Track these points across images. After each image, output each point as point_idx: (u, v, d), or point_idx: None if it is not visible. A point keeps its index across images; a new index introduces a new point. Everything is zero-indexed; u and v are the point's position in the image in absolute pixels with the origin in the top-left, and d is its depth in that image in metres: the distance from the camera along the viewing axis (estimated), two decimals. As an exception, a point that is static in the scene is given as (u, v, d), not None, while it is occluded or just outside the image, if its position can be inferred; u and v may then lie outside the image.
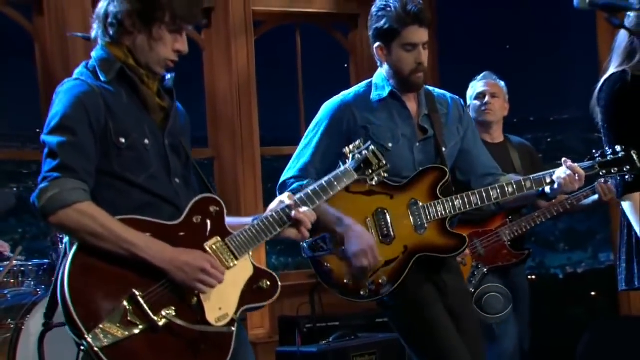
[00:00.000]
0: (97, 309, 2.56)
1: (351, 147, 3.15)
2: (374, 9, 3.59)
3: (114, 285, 2.61)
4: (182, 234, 2.75)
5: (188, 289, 2.68)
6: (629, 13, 3.57)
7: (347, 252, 3.36)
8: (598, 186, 4.77)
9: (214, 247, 2.77)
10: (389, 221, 3.46)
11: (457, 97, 3.89)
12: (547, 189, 3.45)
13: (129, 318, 2.58)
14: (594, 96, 3.67)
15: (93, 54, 2.83)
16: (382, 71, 3.65)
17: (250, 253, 2.87)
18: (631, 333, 5.56)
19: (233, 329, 2.75)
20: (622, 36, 3.65)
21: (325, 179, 3.06)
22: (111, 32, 2.77)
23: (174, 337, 2.64)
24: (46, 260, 5.00)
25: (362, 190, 3.45)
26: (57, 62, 6.07)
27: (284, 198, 2.93)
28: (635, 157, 3.38)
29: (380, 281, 3.43)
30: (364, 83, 3.73)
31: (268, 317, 6.33)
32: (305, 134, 3.70)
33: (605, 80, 3.63)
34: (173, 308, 2.65)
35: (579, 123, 6.43)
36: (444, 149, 3.61)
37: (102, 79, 2.75)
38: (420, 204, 3.48)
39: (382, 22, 3.53)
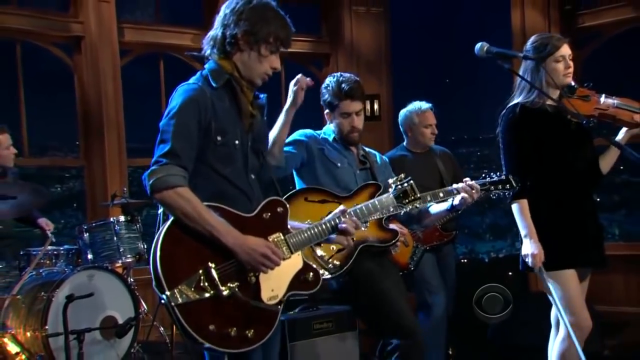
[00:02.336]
0: (178, 273, 2.53)
1: (394, 179, 3.19)
2: (322, 87, 3.79)
3: (195, 256, 2.58)
4: (253, 225, 2.70)
5: (250, 269, 2.64)
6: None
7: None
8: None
9: (275, 239, 2.73)
10: None
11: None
12: (456, 200, 3.52)
13: (201, 285, 2.55)
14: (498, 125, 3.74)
15: (206, 65, 2.81)
16: (330, 126, 3.83)
17: (303, 250, 2.82)
18: (536, 304, 5.60)
19: (280, 308, 2.70)
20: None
21: (372, 201, 3.09)
22: (228, 49, 2.75)
23: (232, 306, 2.59)
24: (75, 246, 5.04)
25: (317, 200, 3.55)
26: (92, 90, 6.14)
27: (339, 209, 2.92)
28: (512, 180, 3.55)
29: (335, 265, 3.49)
30: (315, 132, 3.86)
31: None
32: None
33: (503, 113, 3.69)
34: (237, 283, 2.61)
35: (501, 141, 6.47)
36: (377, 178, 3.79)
37: (213, 84, 2.74)
38: None
39: (326, 97, 3.75)
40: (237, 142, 2.74)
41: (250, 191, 2.78)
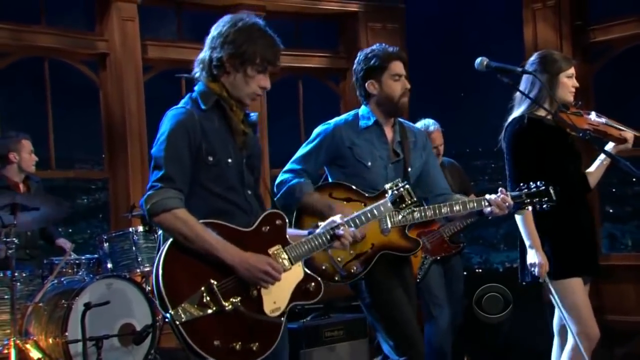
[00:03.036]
0: (181, 291, 2.51)
1: (390, 184, 3.06)
2: (361, 56, 3.53)
3: (196, 274, 2.55)
4: (252, 239, 2.67)
5: (251, 284, 2.62)
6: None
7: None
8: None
9: (275, 252, 2.69)
10: None
11: (422, 129, 3.90)
12: (487, 210, 3.31)
13: (204, 301, 2.53)
14: (501, 135, 3.68)
15: (196, 88, 2.78)
16: (367, 107, 3.56)
17: (303, 261, 2.78)
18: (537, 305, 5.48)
19: (283, 319, 2.67)
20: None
21: (369, 208, 3.00)
22: (215, 72, 2.73)
23: (236, 320, 2.57)
24: (95, 256, 5.08)
25: (342, 197, 3.42)
26: (116, 105, 6.20)
27: (336, 219, 2.85)
28: (552, 192, 3.27)
29: (352, 270, 3.37)
30: (352, 113, 3.63)
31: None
32: (305, 143, 3.62)
33: (508, 124, 3.65)
34: (239, 298, 2.58)
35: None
36: (410, 169, 3.55)
37: (202, 106, 2.70)
38: None
39: (373, 61, 3.46)
40: (229, 160, 2.71)
41: (247, 206, 2.75)
